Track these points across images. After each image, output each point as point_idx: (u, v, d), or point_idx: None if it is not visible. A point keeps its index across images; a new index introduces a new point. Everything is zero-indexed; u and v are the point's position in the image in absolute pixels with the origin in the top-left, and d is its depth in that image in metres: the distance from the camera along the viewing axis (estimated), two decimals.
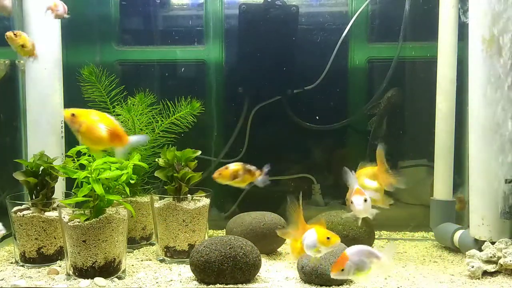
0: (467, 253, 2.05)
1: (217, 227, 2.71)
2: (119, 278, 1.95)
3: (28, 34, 2.33)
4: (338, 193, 2.80)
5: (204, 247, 1.93)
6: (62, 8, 2.13)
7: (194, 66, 2.80)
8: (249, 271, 1.91)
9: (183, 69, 2.76)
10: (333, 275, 1.61)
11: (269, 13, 2.67)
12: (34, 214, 2.10)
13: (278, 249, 2.37)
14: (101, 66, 2.38)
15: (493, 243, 2.03)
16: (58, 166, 2.06)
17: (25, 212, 2.11)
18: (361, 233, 2.23)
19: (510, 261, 1.95)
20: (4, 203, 2.18)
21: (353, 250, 1.64)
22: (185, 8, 2.81)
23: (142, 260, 2.22)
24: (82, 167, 1.99)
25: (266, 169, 1.94)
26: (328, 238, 1.63)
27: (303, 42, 2.71)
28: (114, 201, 1.96)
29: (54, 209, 2.15)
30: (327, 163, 2.80)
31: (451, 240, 2.32)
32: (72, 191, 2.01)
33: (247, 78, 2.73)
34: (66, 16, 2.15)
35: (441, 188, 2.49)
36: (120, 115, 2.37)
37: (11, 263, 2.17)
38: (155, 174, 2.24)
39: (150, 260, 2.23)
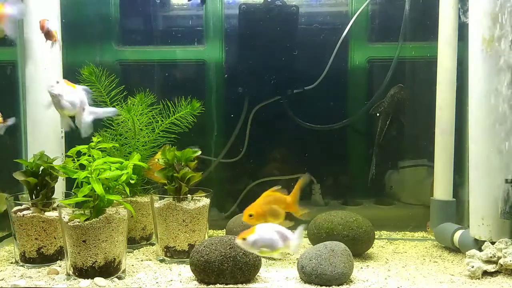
0: (467, 253, 2.05)
1: (217, 227, 2.71)
2: (119, 278, 1.95)
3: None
4: (338, 193, 2.81)
5: (204, 247, 1.93)
6: None
7: (194, 66, 2.81)
8: (249, 271, 1.91)
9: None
10: (237, 241, 1.74)
11: (269, 13, 2.67)
12: (34, 214, 2.10)
13: None
14: (101, 66, 2.38)
15: (493, 243, 2.03)
16: (58, 166, 2.06)
17: (25, 212, 2.11)
18: (361, 233, 2.23)
19: (510, 261, 1.95)
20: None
21: (262, 227, 1.73)
22: (185, 8, 2.81)
23: (142, 260, 2.22)
24: (82, 167, 1.99)
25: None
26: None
27: (303, 42, 2.71)
28: (114, 201, 1.96)
29: (54, 209, 2.15)
30: (327, 163, 2.80)
31: (451, 240, 2.32)
32: (72, 191, 2.01)
33: (247, 78, 2.73)
34: None
35: (441, 188, 2.49)
36: (120, 115, 2.37)
37: (11, 263, 2.17)
38: (155, 174, 2.24)
39: (150, 260, 2.23)
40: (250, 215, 1.88)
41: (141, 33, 2.83)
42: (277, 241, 1.70)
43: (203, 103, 2.44)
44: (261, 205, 1.91)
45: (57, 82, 1.78)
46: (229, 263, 1.88)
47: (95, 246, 1.90)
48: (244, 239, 1.71)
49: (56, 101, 1.80)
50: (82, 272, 1.91)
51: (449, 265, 2.20)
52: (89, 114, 1.85)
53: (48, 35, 2.08)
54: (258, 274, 1.98)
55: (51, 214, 2.12)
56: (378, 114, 2.67)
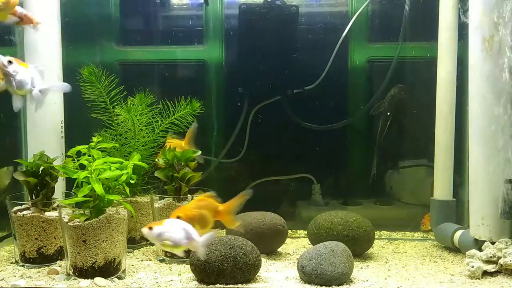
0: (467, 253, 2.05)
1: (217, 227, 2.70)
2: (119, 278, 1.95)
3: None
4: (338, 193, 2.81)
5: None
6: None
7: (194, 66, 2.81)
8: (249, 271, 1.91)
9: None
10: (143, 229, 1.71)
11: (269, 13, 2.67)
12: (34, 214, 2.10)
13: (278, 249, 2.37)
14: (101, 66, 2.38)
15: (493, 243, 2.03)
16: (58, 166, 2.06)
17: (25, 212, 2.11)
18: (361, 233, 2.23)
19: (510, 261, 1.95)
20: (4, 203, 2.18)
21: (171, 222, 1.72)
22: (185, 8, 2.82)
23: (142, 260, 2.22)
24: (82, 167, 1.99)
25: None
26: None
27: (303, 42, 2.71)
28: (114, 201, 1.96)
29: (54, 209, 2.15)
30: (327, 163, 2.80)
31: (451, 240, 2.32)
32: (72, 191, 2.01)
33: (247, 78, 2.73)
34: None
35: (441, 188, 2.49)
36: (120, 115, 2.37)
37: (11, 263, 2.17)
38: (155, 174, 2.24)
39: (150, 260, 2.23)
40: (178, 217, 1.81)
41: (141, 33, 2.83)
42: (181, 239, 1.69)
43: (203, 103, 2.44)
44: (191, 209, 1.86)
45: (10, 62, 1.81)
46: (229, 263, 1.88)
47: (95, 246, 1.90)
48: (150, 228, 1.69)
49: (9, 80, 1.83)
50: (82, 272, 1.91)
51: (449, 265, 2.20)
52: (40, 92, 1.88)
53: (24, 20, 2.07)
54: (258, 274, 1.98)
55: (51, 214, 2.12)
56: (388, 113, 2.66)
